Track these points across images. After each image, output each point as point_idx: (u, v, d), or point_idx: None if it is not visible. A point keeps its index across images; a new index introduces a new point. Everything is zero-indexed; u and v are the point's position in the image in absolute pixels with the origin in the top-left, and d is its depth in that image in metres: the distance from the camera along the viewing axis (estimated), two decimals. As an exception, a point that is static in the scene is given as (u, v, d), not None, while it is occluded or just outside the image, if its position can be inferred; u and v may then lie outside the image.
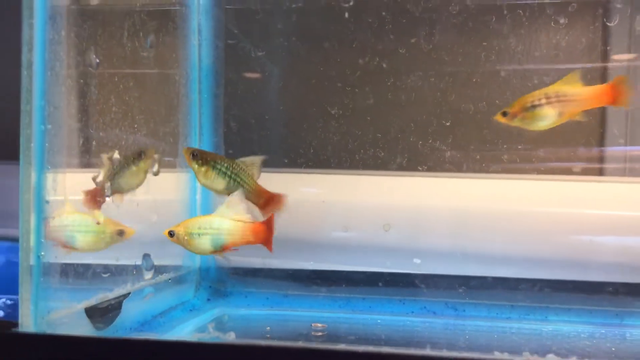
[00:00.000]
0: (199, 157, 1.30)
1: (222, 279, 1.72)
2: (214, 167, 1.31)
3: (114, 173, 1.21)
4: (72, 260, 1.18)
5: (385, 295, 1.66)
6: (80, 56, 1.17)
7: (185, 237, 1.29)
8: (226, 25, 1.73)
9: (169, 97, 1.59)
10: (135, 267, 1.39)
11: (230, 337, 1.08)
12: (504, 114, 1.26)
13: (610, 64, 1.67)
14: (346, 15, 1.64)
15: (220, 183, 1.32)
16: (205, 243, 1.29)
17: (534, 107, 1.23)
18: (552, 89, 1.25)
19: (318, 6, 1.72)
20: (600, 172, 1.72)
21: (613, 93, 1.24)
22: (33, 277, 1.05)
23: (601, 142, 1.70)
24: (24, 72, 1.05)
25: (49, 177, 1.06)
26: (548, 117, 1.24)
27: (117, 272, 1.33)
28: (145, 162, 1.27)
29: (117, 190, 1.23)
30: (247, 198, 1.32)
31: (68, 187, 1.11)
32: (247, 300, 1.69)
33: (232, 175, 1.32)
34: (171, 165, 1.63)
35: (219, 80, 1.73)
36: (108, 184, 1.22)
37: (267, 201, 1.34)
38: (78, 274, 1.18)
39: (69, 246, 1.16)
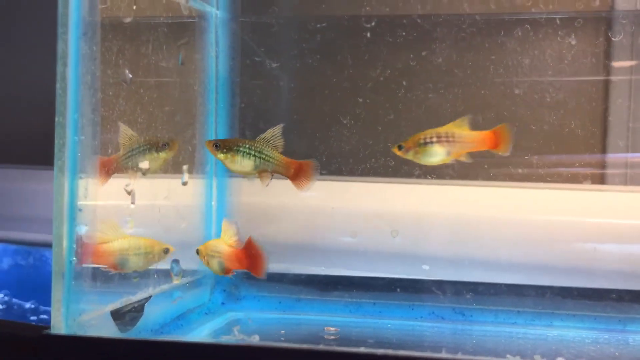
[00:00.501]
0: (221, 145, 1.34)
1: (236, 283, 1.77)
2: (237, 151, 1.34)
3: (137, 151, 1.26)
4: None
5: (395, 300, 1.71)
6: (111, 69, 1.23)
7: (205, 257, 1.39)
8: (242, 38, 1.79)
9: (187, 106, 1.65)
10: (157, 271, 1.44)
11: (255, 340, 1.14)
12: (399, 147, 1.37)
13: (613, 78, 1.73)
14: (367, 34, 1.70)
15: (247, 164, 1.35)
16: (214, 265, 1.39)
17: (425, 144, 1.32)
18: (443, 130, 1.36)
19: (328, 18, 1.77)
20: (602, 179, 1.77)
21: (495, 139, 1.35)
22: (65, 281, 1.10)
23: (603, 150, 1.76)
24: (58, 85, 1.11)
25: (81, 184, 1.11)
26: (437, 155, 1.35)
27: (140, 276, 1.38)
28: (167, 152, 1.33)
29: (131, 167, 1.28)
30: (276, 171, 1.35)
31: (99, 193, 1.16)
32: (260, 304, 1.74)
33: (257, 154, 1.35)
34: (188, 171, 1.68)
35: (234, 90, 1.78)
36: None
37: (297, 171, 1.36)
38: (106, 277, 1.23)
39: (119, 268, 1.23)
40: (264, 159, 1.33)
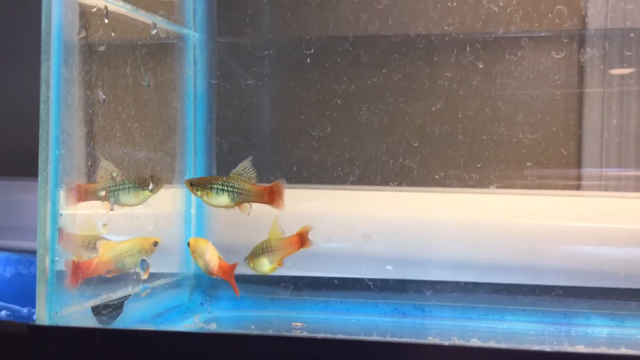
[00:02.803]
0: (197, 184, 1.50)
1: (215, 284, 1.91)
2: (211, 189, 1.49)
3: (119, 188, 1.40)
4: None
5: (361, 299, 1.84)
6: (89, 90, 1.38)
7: (194, 253, 1.50)
8: (219, 57, 1.94)
9: (166, 121, 1.79)
10: (135, 273, 1.58)
11: (212, 327, 1.27)
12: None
13: (585, 90, 1.87)
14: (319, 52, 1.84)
15: (223, 199, 1.49)
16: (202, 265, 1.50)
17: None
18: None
19: (298, 39, 1.92)
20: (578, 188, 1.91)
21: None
22: (48, 277, 1.24)
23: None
24: (42, 106, 1.26)
25: (62, 193, 1.26)
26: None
27: (120, 278, 1.52)
28: (152, 191, 1.47)
29: (112, 202, 1.41)
30: (252, 201, 1.48)
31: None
32: (237, 304, 1.87)
33: (230, 189, 1.49)
34: (168, 182, 1.82)
35: (212, 106, 1.94)
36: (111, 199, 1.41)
37: (269, 195, 1.49)
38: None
39: (117, 270, 1.37)
40: (237, 192, 1.47)
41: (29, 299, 2.18)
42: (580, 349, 1.24)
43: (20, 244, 2.37)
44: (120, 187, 1.39)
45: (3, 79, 2.52)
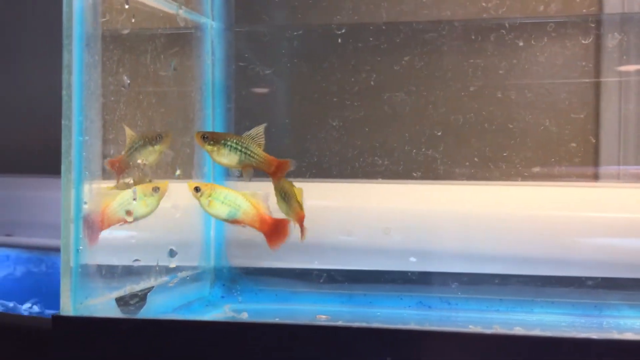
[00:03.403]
0: (210, 138, 1.43)
1: (235, 278, 1.88)
2: (224, 145, 1.43)
3: (134, 148, 1.38)
4: (102, 262, 1.34)
5: (384, 292, 1.80)
6: (112, 77, 1.34)
7: (208, 199, 1.41)
8: (237, 47, 1.91)
9: (185, 111, 1.76)
10: (159, 265, 1.55)
11: (244, 317, 1.24)
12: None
13: (602, 80, 1.83)
14: (339, 40, 1.81)
15: (233, 158, 1.44)
16: (222, 211, 1.42)
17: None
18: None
19: (317, 27, 1.89)
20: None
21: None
22: (73, 267, 1.21)
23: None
24: (64, 92, 1.23)
25: (86, 181, 1.23)
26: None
27: (143, 270, 1.49)
28: (161, 145, 1.43)
29: (133, 164, 1.39)
30: (258, 167, 1.43)
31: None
32: (258, 297, 1.84)
33: (243, 149, 1.44)
34: (187, 175, 1.79)
35: (230, 96, 1.90)
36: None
37: (276, 168, 1.45)
38: (111, 267, 1.34)
39: (129, 220, 1.33)
40: (248, 154, 1.42)
41: (40, 297, 2.13)
42: (629, 335, 1.20)
43: (31, 241, 2.35)
44: (134, 147, 1.36)
45: (17, 78, 2.50)
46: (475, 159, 1.81)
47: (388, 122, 1.86)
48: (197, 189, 1.42)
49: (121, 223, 1.33)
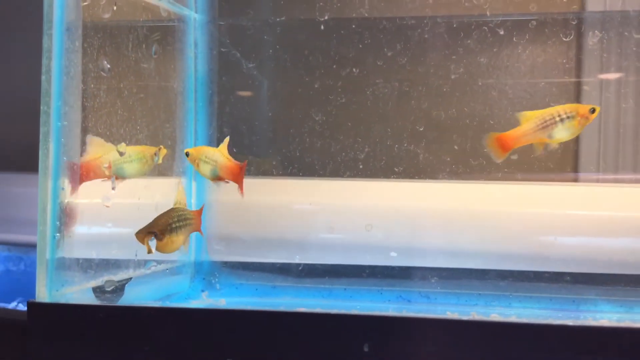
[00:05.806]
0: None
1: (215, 272, 1.87)
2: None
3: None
4: (80, 255, 1.33)
5: (365, 286, 1.81)
6: (92, 63, 1.33)
7: (196, 161, 1.49)
8: (219, 40, 1.90)
9: (167, 104, 1.75)
10: (136, 258, 1.53)
11: (222, 304, 1.23)
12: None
13: (583, 79, 1.85)
14: (323, 34, 1.82)
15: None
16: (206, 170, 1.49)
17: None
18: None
19: (301, 21, 1.89)
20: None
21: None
22: (49, 255, 1.20)
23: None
24: (44, 77, 1.21)
25: (64, 166, 1.22)
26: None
27: (121, 261, 1.47)
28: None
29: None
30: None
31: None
32: (239, 291, 1.83)
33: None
34: (169, 170, 1.78)
35: (213, 89, 1.89)
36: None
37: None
38: (88, 260, 1.33)
39: (119, 177, 1.31)
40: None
41: (18, 295, 2.10)
42: (605, 322, 1.21)
43: (10, 237, 2.32)
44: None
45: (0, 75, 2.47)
46: (456, 155, 1.83)
47: (371, 116, 1.86)
48: (187, 154, 1.51)
49: (105, 179, 1.33)
